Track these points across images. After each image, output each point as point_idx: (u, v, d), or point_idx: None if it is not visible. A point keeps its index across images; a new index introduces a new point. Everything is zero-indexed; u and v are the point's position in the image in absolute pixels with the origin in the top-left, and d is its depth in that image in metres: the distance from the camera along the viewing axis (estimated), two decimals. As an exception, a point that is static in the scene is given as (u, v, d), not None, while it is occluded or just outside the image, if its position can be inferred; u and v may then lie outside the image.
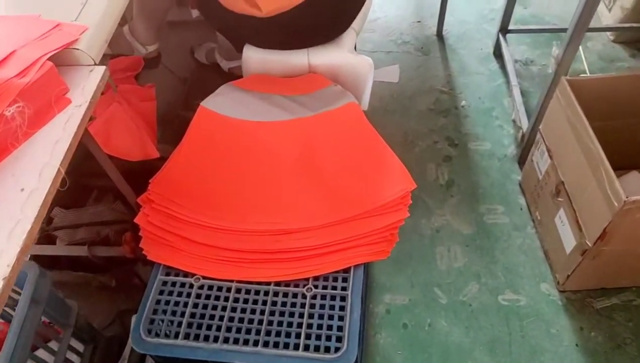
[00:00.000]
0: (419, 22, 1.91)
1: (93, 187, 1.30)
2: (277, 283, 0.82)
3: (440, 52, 1.80)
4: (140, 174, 0.98)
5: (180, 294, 0.84)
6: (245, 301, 0.81)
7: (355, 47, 1.23)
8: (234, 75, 1.59)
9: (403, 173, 0.86)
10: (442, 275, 1.21)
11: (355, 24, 1.19)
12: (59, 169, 0.64)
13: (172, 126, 1.33)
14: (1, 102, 0.65)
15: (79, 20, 0.80)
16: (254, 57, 1.17)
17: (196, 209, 0.90)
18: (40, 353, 0.89)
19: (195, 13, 1.54)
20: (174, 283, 0.85)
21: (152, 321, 0.81)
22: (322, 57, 1.14)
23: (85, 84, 0.75)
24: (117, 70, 1.30)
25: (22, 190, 0.61)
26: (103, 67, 0.77)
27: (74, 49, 0.75)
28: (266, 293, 0.81)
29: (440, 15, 1.81)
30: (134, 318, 1.08)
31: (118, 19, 0.86)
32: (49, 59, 0.72)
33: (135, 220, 0.91)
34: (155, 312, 0.82)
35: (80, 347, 1.01)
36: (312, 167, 0.91)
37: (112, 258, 1.14)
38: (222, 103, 1.05)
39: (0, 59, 0.70)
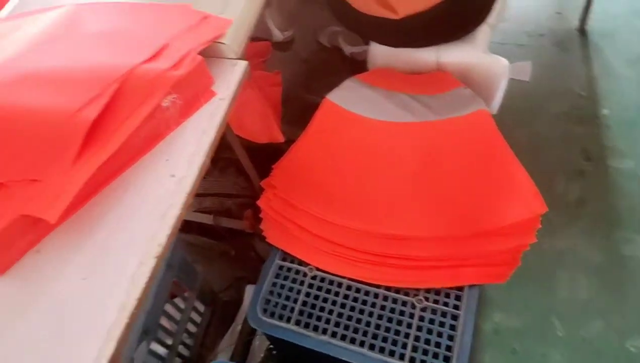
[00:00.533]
0: (559, 13, 1.74)
1: (218, 158, 1.41)
2: (388, 288, 0.82)
3: (581, 49, 1.63)
4: (262, 153, 1.04)
5: (294, 281, 0.88)
6: (355, 299, 0.83)
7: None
8: (355, 60, 1.60)
9: (533, 193, 0.80)
10: (562, 304, 1.12)
11: (492, 18, 1.11)
12: (204, 159, 0.69)
13: (293, 107, 1.37)
14: (159, 92, 0.72)
15: (224, 14, 0.84)
16: (381, 52, 1.15)
17: (315, 201, 0.92)
18: (168, 308, 1.00)
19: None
20: (289, 269, 0.89)
21: (267, 301, 0.86)
22: (452, 55, 1.09)
23: (229, 78, 0.80)
24: (249, 57, 1.36)
25: (173, 176, 0.67)
26: (245, 62, 0.82)
27: (219, 42, 0.80)
28: (376, 295, 0.82)
29: (585, 7, 1.62)
30: (248, 287, 1.16)
31: (260, 12, 0.89)
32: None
33: (258, 203, 0.97)
34: (271, 293, 0.87)
35: (201, 307, 1.12)
36: (434, 175, 0.88)
37: (233, 229, 1.23)
38: (346, 97, 1.06)
39: (156, 50, 0.77)
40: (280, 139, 1.17)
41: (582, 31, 1.68)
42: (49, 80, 0.70)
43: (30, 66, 0.72)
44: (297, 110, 1.20)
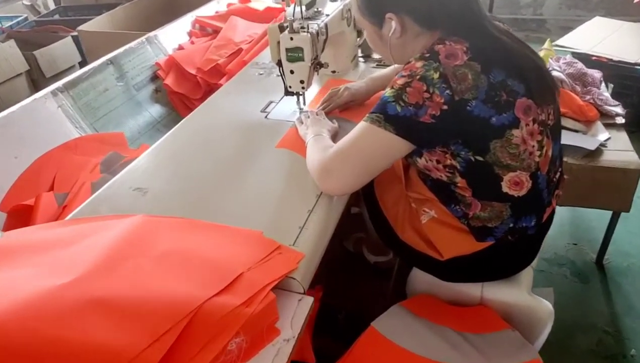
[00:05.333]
0: (575, 244, 1.83)
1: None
2: None
3: (600, 283, 1.67)
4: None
5: None
6: None
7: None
8: (378, 268, 1.61)
9: None
10: None
11: (534, 262, 1.15)
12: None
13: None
14: (228, 332, 0.68)
15: (296, 245, 0.85)
16: (424, 279, 1.16)
17: None
18: None
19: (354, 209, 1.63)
20: None
21: None
22: (497, 292, 1.10)
23: (294, 315, 0.77)
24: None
25: None
26: (311, 299, 0.80)
27: (290, 277, 0.79)
28: None
29: (604, 243, 1.71)
30: None
31: (325, 247, 0.90)
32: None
33: None
34: None
35: None
36: None
37: None
38: (392, 327, 1.03)
39: (230, 281, 0.75)
40: (312, 360, 1.09)
41: (600, 265, 1.74)
42: (117, 309, 0.67)
43: (100, 290, 0.69)
44: (321, 315, 1.16)
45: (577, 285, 1.66)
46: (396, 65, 1.28)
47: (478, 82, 0.83)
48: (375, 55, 1.59)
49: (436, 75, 0.83)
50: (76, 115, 1.74)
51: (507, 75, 0.86)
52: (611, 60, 2.31)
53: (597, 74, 1.85)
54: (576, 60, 1.89)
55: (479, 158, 0.88)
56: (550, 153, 0.95)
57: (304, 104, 1.30)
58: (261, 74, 1.54)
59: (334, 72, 1.48)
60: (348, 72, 1.50)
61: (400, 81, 0.85)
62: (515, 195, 0.92)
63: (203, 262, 0.78)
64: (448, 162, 0.90)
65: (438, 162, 0.92)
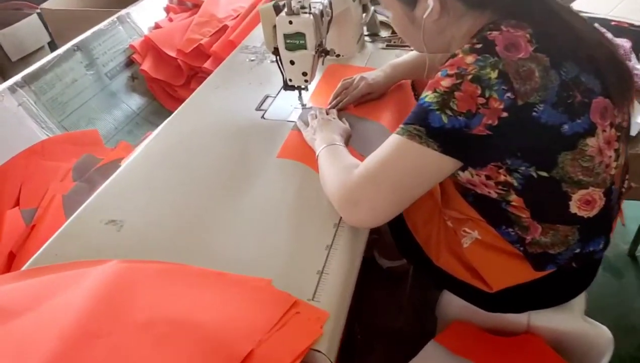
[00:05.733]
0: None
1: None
2: None
3: (636, 278, 1.52)
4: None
5: None
6: None
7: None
8: (392, 274, 1.45)
9: None
10: None
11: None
12: None
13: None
14: None
15: (317, 299, 0.67)
16: (459, 304, 0.99)
17: None
18: None
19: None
20: None
21: None
22: (546, 318, 0.93)
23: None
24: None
25: None
26: (341, 373, 0.62)
27: (314, 349, 0.61)
28: None
29: (638, 234, 1.55)
30: None
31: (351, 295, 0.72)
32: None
33: None
34: None
35: None
36: None
37: None
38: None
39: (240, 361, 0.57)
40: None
41: (634, 257, 1.59)
42: None
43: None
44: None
45: (611, 282, 1.52)
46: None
47: (547, 80, 0.64)
48: (384, 34, 1.38)
49: (494, 74, 0.63)
50: (41, 113, 1.51)
51: (581, 69, 0.67)
52: (632, 25, 2.10)
53: (626, 43, 1.64)
54: (603, 29, 1.68)
55: (543, 173, 0.69)
56: (623, 161, 0.77)
57: (306, 98, 1.09)
58: (252, 60, 1.32)
59: (338, 55, 1.26)
60: (354, 56, 1.29)
61: (446, 82, 0.65)
62: (585, 216, 0.74)
63: (199, 335, 0.60)
64: (502, 178, 0.71)
65: (488, 178, 0.73)
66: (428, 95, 0.67)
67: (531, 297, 0.87)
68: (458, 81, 0.64)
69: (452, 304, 1.00)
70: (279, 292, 0.67)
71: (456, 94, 0.64)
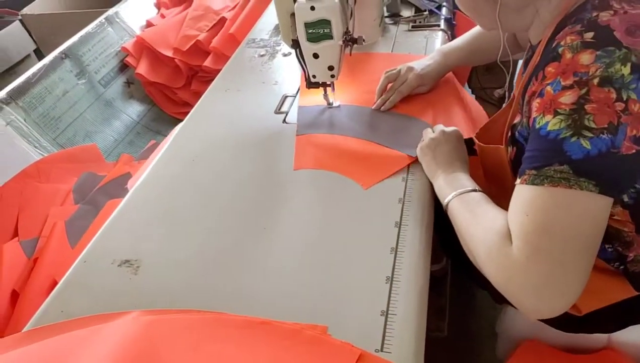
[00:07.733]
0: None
1: None
2: None
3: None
4: None
5: None
6: None
7: None
8: (433, 277, 1.33)
9: None
10: None
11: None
12: None
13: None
14: None
15: (386, 349, 0.55)
16: (524, 324, 0.87)
17: None
18: None
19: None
20: None
21: None
22: (629, 332, 0.81)
23: None
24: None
25: None
26: None
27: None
28: None
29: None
30: None
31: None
32: None
33: None
34: None
35: None
36: None
37: None
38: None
39: None
40: None
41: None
42: None
43: None
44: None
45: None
46: (475, 30, 0.93)
47: None
48: (406, 13, 1.23)
49: (626, 70, 0.49)
50: (32, 131, 1.38)
51: None
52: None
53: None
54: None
55: None
56: None
57: (333, 96, 0.95)
58: (262, 55, 1.18)
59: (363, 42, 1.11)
60: (377, 41, 1.14)
61: (567, 98, 0.51)
62: None
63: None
64: None
65: None
66: (550, 122, 0.52)
67: (625, 317, 0.74)
68: (583, 91, 0.50)
69: (518, 321, 0.88)
70: (339, 343, 0.55)
71: (587, 107, 0.50)
